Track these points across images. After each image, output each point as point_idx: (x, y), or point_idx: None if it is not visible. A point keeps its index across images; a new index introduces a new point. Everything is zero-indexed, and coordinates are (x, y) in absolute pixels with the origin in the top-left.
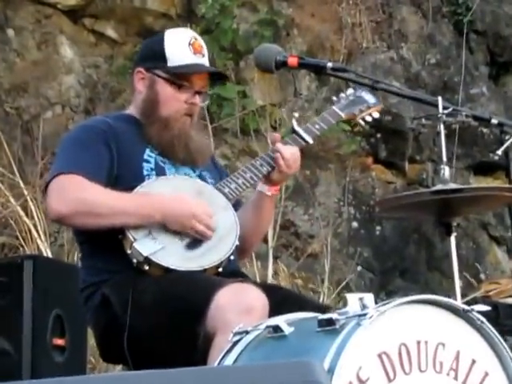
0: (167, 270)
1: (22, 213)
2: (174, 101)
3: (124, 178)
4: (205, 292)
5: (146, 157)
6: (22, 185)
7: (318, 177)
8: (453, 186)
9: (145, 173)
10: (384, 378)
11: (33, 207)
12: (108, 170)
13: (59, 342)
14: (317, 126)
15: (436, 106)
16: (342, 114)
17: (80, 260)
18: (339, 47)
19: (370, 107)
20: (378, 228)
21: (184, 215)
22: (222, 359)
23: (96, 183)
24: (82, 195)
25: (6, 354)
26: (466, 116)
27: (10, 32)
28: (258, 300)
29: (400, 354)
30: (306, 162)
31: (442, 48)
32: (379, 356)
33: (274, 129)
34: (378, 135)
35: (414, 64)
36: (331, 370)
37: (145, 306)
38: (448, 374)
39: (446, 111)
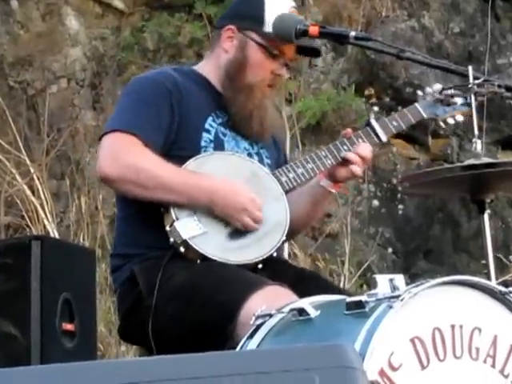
0: (203, 258)
1: (28, 192)
2: (262, 69)
3: (180, 145)
4: (237, 292)
5: (207, 126)
6: (28, 162)
7: None
8: (486, 160)
9: (202, 144)
10: (417, 364)
11: (39, 186)
12: (166, 135)
13: (68, 327)
14: (394, 123)
15: (465, 76)
16: (425, 115)
17: (116, 222)
18: (357, 16)
19: (456, 109)
20: (401, 207)
21: (235, 207)
22: (243, 344)
23: (151, 148)
24: (134, 162)
25: (14, 338)
26: (499, 86)
27: (14, 3)
28: None
29: (434, 338)
30: (321, 136)
31: (466, 16)
32: (412, 341)
33: (289, 102)
34: (399, 108)
35: (436, 33)
36: (361, 356)
37: (172, 292)
38: (485, 362)
39: (476, 81)
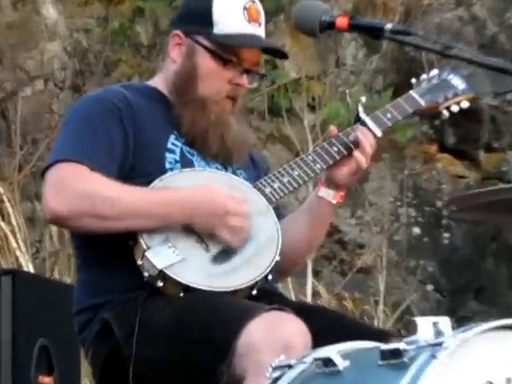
0: (186, 289)
1: None
2: (215, 78)
3: (141, 169)
4: (232, 322)
5: (169, 145)
6: None
7: (367, 169)
8: None
9: (167, 165)
10: None
11: (10, 209)
12: (121, 159)
13: (46, 380)
14: (388, 116)
15: None
16: (422, 102)
17: (77, 272)
18: (394, 5)
19: (459, 94)
20: (446, 235)
21: (216, 214)
22: None
23: (105, 175)
24: (86, 191)
25: None
26: None
27: None
28: (300, 335)
29: None
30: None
31: None
32: None
33: (312, 108)
34: (444, 116)
35: (489, 25)
36: None
37: (154, 334)
38: None
39: None
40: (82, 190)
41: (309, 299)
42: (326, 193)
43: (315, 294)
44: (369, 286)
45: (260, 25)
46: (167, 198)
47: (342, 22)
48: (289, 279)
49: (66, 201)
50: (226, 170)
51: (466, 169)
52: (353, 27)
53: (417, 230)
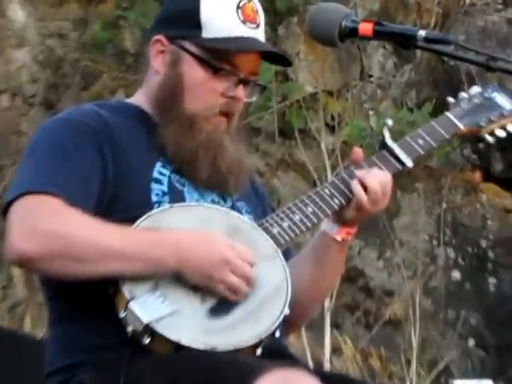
0: (178, 348)
1: None
2: (205, 91)
3: (122, 203)
4: (237, 382)
5: (155, 174)
6: None
7: (398, 202)
8: None
9: (154, 198)
10: None
11: None
12: (99, 191)
13: None
14: (420, 142)
15: None
16: (461, 125)
17: (48, 328)
18: (429, 5)
19: (505, 116)
20: (493, 281)
21: (212, 263)
22: None
23: (80, 210)
24: (59, 228)
25: None
26: None
27: None
28: None
29: None
30: None
31: None
32: None
33: (332, 129)
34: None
35: None
36: None
37: None
38: None
39: None
40: (55, 227)
41: (327, 357)
42: (329, 227)
43: (335, 350)
44: (399, 342)
45: (258, 26)
46: (156, 240)
47: (365, 28)
48: (303, 332)
49: (37, 240)
50: (225, 201)
51: None
52: (379, 34)
53: (457, 275)
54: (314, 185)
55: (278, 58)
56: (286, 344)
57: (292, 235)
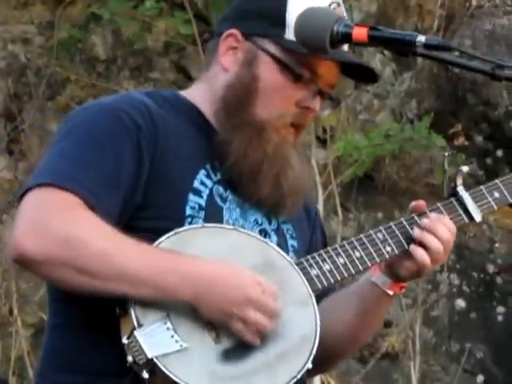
0: None
1: None
2: (281, 97)
3: (150, 212)
4: None
5: (196, 184)
6: None
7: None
8: None
9: (188, 211)
10: None
11: None
12: (127, 195)
13: None
14: (496, 195)
15: None
16: None
17: (46, 331)
18: (432, 7)
19: None
20: (501, 310)
21: (233, 299)
22: None
23: (100, 214)
24: (72, 234)
25: None
26: None
27: None
28: None
29: None
30: (375, 198)
31: None
32: None
33: (323, 143)
34: (499, 153)
35: None
36: None
37: None
38: None
39: None
40: (68, 232)
41: None
42: (381, 279)
43: None
44: (397, 378)
45: (339, 5)
46: (174, 267)
47: (359, 33)
48: None
49: (44, 242)
50: (270, 223)
51: None
52: (374, 40)
53: (461, 304)
54: None
55: (361, 73)
56: None
57: (331, 280)
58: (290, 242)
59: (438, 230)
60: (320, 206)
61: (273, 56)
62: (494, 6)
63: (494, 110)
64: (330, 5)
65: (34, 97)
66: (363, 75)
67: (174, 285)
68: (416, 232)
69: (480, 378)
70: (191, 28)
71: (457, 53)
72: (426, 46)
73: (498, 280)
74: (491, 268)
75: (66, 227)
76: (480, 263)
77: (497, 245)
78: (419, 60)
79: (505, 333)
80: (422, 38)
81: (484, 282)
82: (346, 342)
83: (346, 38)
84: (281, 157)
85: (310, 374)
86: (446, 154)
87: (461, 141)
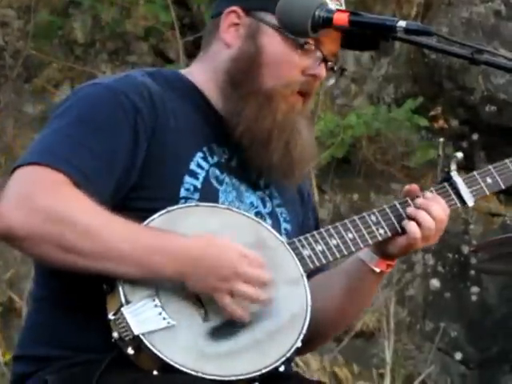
0: (164, 367)
1: None
2: (287, 66)
3: (144, 193)
4: None
5: (193, 166)
6: None
7: (372, 204)
8: None
9: (182, 193)
10: None
11: None
12: (119, 177)
13: None
14: (489, 181)
15: None
16: None
17: (29, 303)
18: None
19: None
20: (475, 290)
21: (220, 270)
22: None
23: (92, 195)
24: (58, 211)
25: None
26: None
27: None
28: None
29: None
30: (353, 180)
31: None
32: None
33: None
34: (474, 136)
35: None
36: None
37: None
38: None
39: None
40: (54, 209)
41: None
42: (368, 256)
43: (300, 363)
44: (371, 355)
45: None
46: (161, 245)
47: (340, 18)
48: None
49: (28, 218)
50: (265, 206)
51: (502, 204)
52: (355, 24)
53: (436, 283)
54: None
55: (363, 41)
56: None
57: (323, 261)
58: (284, 225)
59: (432, 207)
60: None
61: (275, 27)
62: None
63: (470, 95)
64: None
65: (10, 79)
66: (363, 43)
67: (159, 263)
68: (410, 209)
69: (457, 356)
70: (169, 14)
71: (436, 38)
72: (407, 30)
73: (473, 260)
74: (466, 249)
75: (52, 204)
76: (455, 244)
77: (471, 226)
78: (397, 45)
79: (478, 312)
80: (402, 23)
81: (459, 262)
82: (335, 318)
83: (328, 22)
84: (290, 125)
85: (299, 352)
86: (441, 140)
87: (440, 123)
